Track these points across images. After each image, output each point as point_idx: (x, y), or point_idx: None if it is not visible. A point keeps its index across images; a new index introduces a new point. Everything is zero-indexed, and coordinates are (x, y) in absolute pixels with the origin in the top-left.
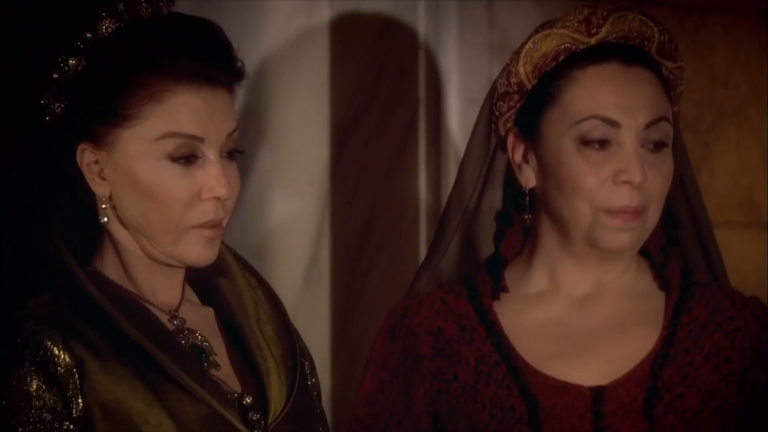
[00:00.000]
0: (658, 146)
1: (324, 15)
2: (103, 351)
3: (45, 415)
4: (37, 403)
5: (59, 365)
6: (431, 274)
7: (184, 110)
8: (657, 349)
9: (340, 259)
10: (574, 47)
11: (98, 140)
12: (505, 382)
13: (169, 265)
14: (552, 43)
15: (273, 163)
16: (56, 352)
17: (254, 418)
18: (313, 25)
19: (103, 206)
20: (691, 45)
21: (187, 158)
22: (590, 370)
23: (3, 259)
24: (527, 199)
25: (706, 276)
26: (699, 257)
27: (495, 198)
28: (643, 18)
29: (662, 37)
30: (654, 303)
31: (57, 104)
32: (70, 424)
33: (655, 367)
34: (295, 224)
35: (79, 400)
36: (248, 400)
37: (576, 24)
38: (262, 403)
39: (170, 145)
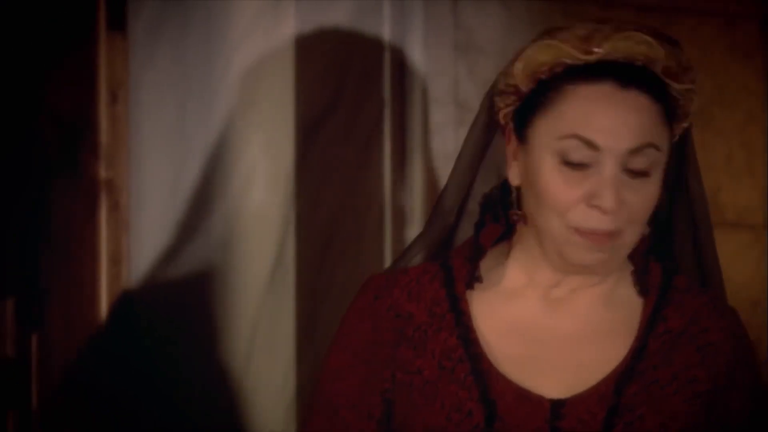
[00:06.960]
0: (642, 172)
1: (289, 15)
2: None
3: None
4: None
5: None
6: (425, 247)
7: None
8: (626, 362)
9: (306, 259)
10: (570, 62)
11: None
12: (467, 383)
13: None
14: (550, 54)
15: (238, 164)
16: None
17: None
18: (278, 25)
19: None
20: None
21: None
22: (554, 378)
23: None
24: (513, 195)
25: (686, 280)
26: (692, 266)
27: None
28: (650, 40)
29: (670, 61)
30: (630, 311)
31: None
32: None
33: (620, 384)
34: (260, 224)
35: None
36: None
37: (576, 40)
38: None
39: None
